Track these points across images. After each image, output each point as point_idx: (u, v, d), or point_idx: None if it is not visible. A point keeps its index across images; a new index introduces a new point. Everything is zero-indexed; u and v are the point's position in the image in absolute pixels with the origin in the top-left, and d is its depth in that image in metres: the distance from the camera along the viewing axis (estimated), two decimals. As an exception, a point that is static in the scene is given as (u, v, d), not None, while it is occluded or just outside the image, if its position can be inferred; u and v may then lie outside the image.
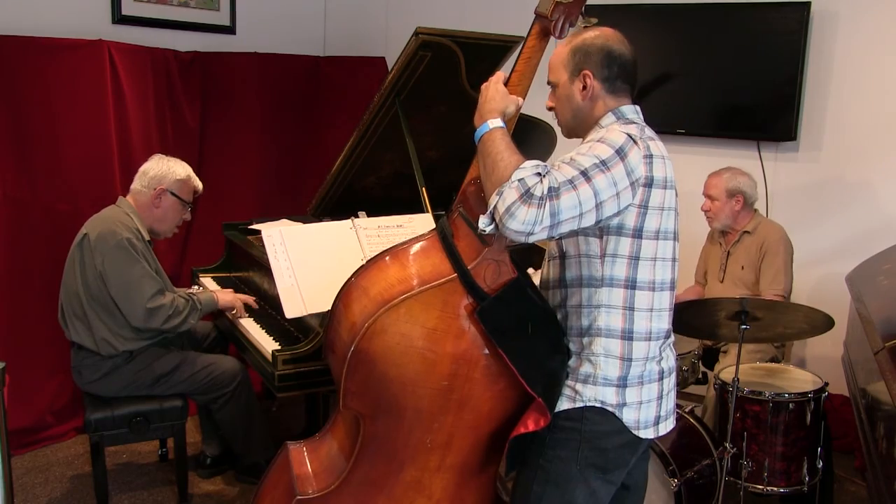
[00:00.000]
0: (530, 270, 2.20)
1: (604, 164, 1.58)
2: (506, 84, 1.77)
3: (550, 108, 1.86)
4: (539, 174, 1.57)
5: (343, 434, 1.98)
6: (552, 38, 1.81)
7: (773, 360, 3.18)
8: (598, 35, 1.77)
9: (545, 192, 1.53)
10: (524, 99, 1.79)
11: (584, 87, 1.76)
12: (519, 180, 1.56)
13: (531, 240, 1.57)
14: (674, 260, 1.76)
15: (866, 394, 2.46)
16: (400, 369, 1.69)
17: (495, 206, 1.57)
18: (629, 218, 1.66)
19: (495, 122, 1.70)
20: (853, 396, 2.75)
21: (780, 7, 3.71)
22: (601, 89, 1.76)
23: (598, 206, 1.58)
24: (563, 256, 1.77)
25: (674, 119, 3.98)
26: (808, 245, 3.57)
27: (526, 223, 1.53)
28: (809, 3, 3.63)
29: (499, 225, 1.57)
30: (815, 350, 3.82)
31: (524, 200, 1.53)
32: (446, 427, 1.77)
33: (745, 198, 3.26)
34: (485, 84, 1.78)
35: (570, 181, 1.56)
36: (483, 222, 1.61)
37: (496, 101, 1.73)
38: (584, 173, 1.57)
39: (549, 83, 1.83)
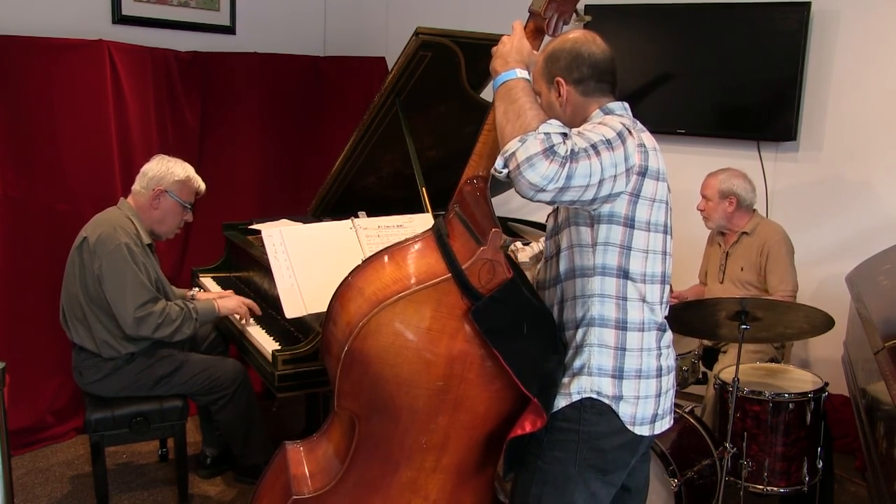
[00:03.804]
0: (518, 243, 2.20)
1: (609, 144, 1.59)
2: None
3: None
4: (564, 134, 1.57)
5: (339, 434, 1.99)
6: (546, 37, 1.80)
7: (773, 360, 3.17)
8: (567, 40, 1.77)
9: (567, 153, 1.53)
10: None
11: (560, 95, 1.76)
12: (545, 134, 1.55)
13: (537, 198, 1.56)
14: (665, 254, 1.75)
15: (866, 394, 2.46)
16: (394, 369, 1.69)
17: (514, 153, 1.55)
18: (620, 206, 1.66)
19: (523, 73, 1.70)
20: (853, 396, 2.74)
21: (780, 7, 3.71)
22: (575, 93, 1.76)
23: (601, 182, 1.58)
24: (558, 252, 1.78)
25: (674, 119, 3.98)
26: (808, 245, 3.57)
27: (544, 178, 1.52)
28: (809, 3, 3.63)
29: (512, 173, 1.55)
30: (815, 350, 3.82)
31: (547, 155, 1.52)
32: (442, 427, 1.77)
33: (739, 200, 3.26)
34: (506, 37, 1.77)
35: (586, 150, 1.56)
36: (499, 163, 1.60)
37: (523, 53, 1.74)
38: (595, 147, 1.57)
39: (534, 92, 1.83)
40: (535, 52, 1.76)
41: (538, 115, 1.61)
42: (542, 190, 1.53)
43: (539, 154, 1.52)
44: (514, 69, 1.70)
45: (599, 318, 1.71)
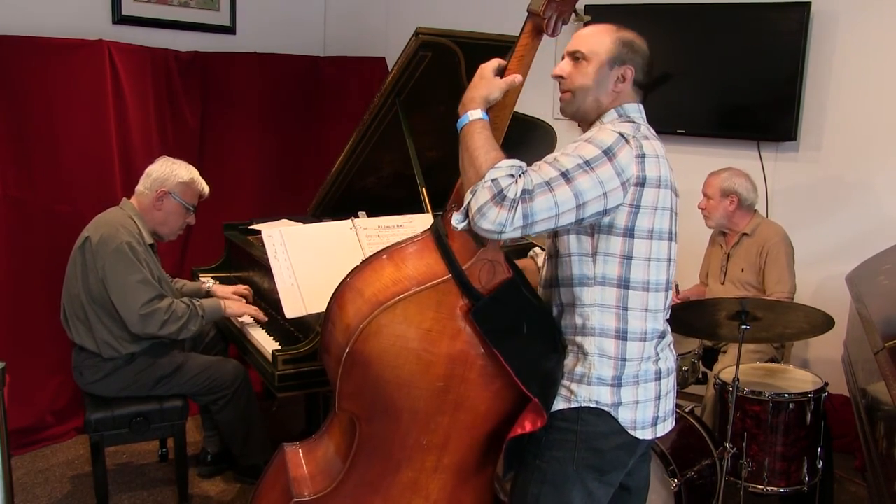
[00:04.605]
0: (536, 250, 2.19)
1: (588, 165, 1.58)
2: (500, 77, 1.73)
3: (558, 77, 1.78)
4: (513, 175, 1.56)
5: (339, 436, 1.98)
6: (545, 37, 1.79)
7: (773, 360, 3.18)
8: (643, 40, 1.78)
9: (518, 195, 1.53)
10: (517, 97, 1.77)
11: (621, 80, 1.74)
12: (492, 180, 1.55)
13: (503, 237, 1.58)
14: (669, 261, 1.74)
15: (866, 394, 2.46)
16: (395, 371, 1.69)
17: (469, 204, 1.58)
18: (620, 217, 1.65)
19: (475, 114, 1.68)
20: (853, 396, 2.74)
21: (781, 7, 3.71)
22: (630, 88, 1.76)
23: (581, 206, 1.57)
24: (557, 256, 1.77)
25: (674, 119, 3.98)
26: (808, 245, 3.57)
27: (497, 224, 1.53)
28: (809, 3, 3.63)
29: (471, 224, 1.58)
30: (815, 350, 3.82)
31: (496, 202, 1.53)
32: (442, 427, 1.77)
33: (741, 199, 3.26)
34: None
35: (547, 183, 1.55)
36: (456, 219, 1.62)
37: (479, 89, 1.71)
38: (565, 174, 1.56)
39: (573, 54, 1.76)
40: (497, 79, 1.70)
41: (487, 161, 1.59)
42: (501, 233, 1.55)
43: (488, 202, 1.53)
44: (466, 113, 1.69)
45: (599, 328, 1.70)
